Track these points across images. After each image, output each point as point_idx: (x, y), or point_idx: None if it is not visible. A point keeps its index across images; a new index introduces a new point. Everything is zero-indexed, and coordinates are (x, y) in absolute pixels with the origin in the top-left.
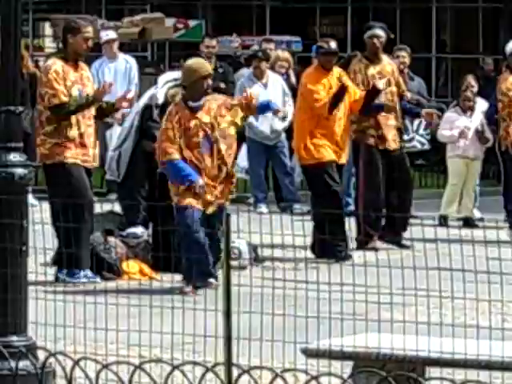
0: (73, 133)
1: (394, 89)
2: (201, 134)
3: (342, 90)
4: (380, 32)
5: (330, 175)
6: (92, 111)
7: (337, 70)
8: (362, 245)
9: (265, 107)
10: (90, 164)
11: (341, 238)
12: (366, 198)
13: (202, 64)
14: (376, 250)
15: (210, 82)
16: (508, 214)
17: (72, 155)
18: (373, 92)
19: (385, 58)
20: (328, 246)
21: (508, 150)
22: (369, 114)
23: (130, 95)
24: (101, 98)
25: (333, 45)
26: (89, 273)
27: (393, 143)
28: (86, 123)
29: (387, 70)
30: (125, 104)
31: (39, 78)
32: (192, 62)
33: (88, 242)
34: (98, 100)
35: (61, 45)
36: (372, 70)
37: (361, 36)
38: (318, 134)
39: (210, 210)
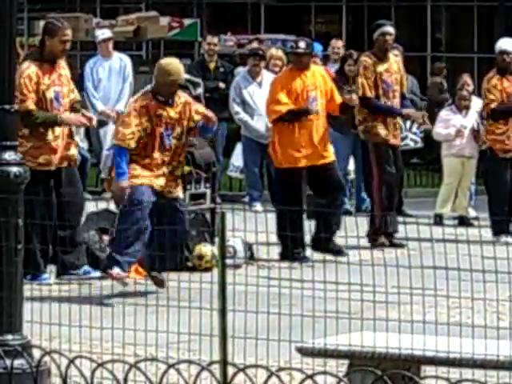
0: (49, 136)
1: (398, 87)
2: (163, 126)
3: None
4: (391, 29)
5: (300, 182)
6: (66, 113)
7: (317, 69)
8: (372, 242)
9: (207, 130)
10: (66, 164)
11: (299, 241)
12: (382, 195)
13: (178, 70)
14: (384, 245)
15: (178, 88)
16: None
17: (46, 161)
18: (346, 106)
19: (391, 55)
20: (288, 248)
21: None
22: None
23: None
24: (68, 123)
25: (301, 45)
26: (86, 268)
27: (397, 140)
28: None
29: (394, 68)
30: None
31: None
32: (170, 65)
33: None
34: (64, 123)
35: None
36: (380, 68)
37: (355, 34)
38: (294, 137)
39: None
